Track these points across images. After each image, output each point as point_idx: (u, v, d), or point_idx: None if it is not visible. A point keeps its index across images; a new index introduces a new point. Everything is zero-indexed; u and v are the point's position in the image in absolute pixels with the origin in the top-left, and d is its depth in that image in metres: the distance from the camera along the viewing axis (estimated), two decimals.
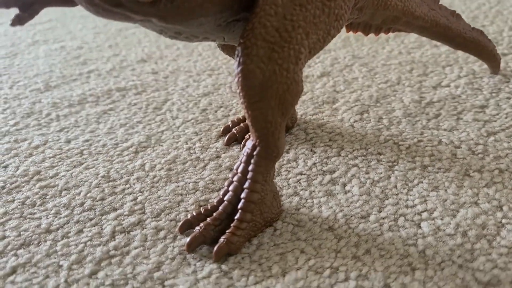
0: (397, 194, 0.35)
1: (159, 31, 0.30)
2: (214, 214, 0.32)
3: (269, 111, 0.30)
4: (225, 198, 0.33)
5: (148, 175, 0.40)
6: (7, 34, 0.87)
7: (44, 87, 0.61)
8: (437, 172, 0.37)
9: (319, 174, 0.38)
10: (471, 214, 0.32)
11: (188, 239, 0.31)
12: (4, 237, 0.34)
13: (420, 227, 0.31)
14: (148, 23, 0.29)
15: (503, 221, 0.31)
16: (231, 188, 0.33)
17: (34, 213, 0.37)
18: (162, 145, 0.45)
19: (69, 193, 0.39)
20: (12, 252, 0.33)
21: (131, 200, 0.37)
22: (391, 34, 0.66)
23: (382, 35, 0.66)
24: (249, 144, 0.32)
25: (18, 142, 0.48)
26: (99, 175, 0.41)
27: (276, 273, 0.29)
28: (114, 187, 0.39)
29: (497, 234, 0.30)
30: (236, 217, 0.32)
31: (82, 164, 0.43)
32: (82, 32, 0.84)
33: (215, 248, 0.31)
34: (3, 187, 0.40)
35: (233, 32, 0.32)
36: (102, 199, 0.38)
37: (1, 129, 0.51)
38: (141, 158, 0.43)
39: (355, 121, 0.45)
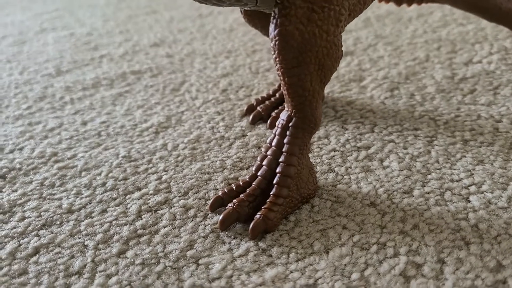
0: (440, 169, 0.33)
1: None
2: (248, 190, 0.30)
3: (307, 77, 0.28)
4: (259, 173, 0.31)
5: (171, 154, 0.38)
6: (14, 24, 0.85)
7: (55, 72, 0.59)
8: (480, 146, 0.35)
9: (354, 150, 0.36)
10: None
11: (220, 216, 0.29)
12: (24, 218, 0.33)
13: (469, 201, 0.29)
14: None
15: None
16: (265, 162, 0.31)
17: (54, 194, 0.35)
18: (183, 125, 0.43)
19: (89, 174, 0.37)
20: (33, 233, 0.31)
21: (156, 179, 0.35)
22: (414, 14, 0.64)
23: (404, 15, 0.63)
24: (284, 115, 0.30)
25: (32, 125, 0.46)
26: (120, 155, 0.39)
27: (318, 250, 0.27)
28: (137, 167, 0.37)
29: None
30: (272, 192, 0.30)
31: (101, 145, 0.41)
32: (91, 19, 0.82)
33: (252, 224, 0.28)
34: (20, 169, 0.38)
35: None
36: (125, 178, 0.36)
37: (14, 112, 0.49)
38: (162, 138, 0.41)
39: (385, 98, 0.43)
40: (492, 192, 0.30)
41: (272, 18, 0.28)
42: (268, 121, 0.41)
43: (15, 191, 0.36)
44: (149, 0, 0.92)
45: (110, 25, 0.77)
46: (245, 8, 0.32)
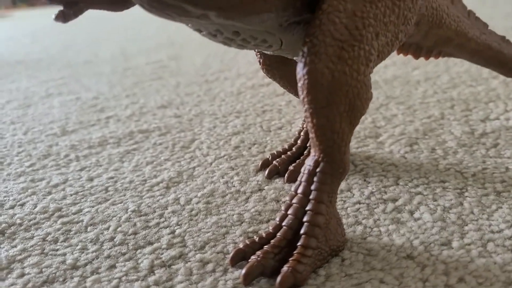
0: (476, 220, 0.30)
1: (214, 33, 0.28)
2: (273, 241, 0.28)
3: (337, 118, 0.27)
4: (284, 223, 0.28)
5: (184, 208, 0.36)
6: (20, 90, 0.86)
7: (60, 132, 0.58)
8: None
9: (380, 203, 0.34)
10: None
11: (243, 270, 0.27)
12: (23, 275, 0.29)
13: None
14: (205, 19, 0.26)
15: None
16: (291, 211, 0.28)
17: (57, 249, 0.32)
18: (195, 180, 0.41)
19: (95, 228, 0.34)
20: None
21: (169, 233, 0.33)
22: (421, 77, 0.64)
23: (412, 78, 0.64)
24: (310, 160, 0.29)
25: (35, 182, 0.44)
26: (129, 210, 0.37)
27: None
28: (147, 221, 0.35)
29: None
30: (299, 243, 0.27)
31: (108, 200, 0.39)
32: (96, 85, 0.83)
33: (279, 278, 0.26)
34: (20, 224, 0.36)
35: (292, 36, 0.29)
36: (135, 233, 0.33)
37: (16, 170, 0.47)
38: (174, 192, 0.39)
39: (405, 152, 0.42)
40: None
41: (300, 57, 0.27)
42: (286, 175, 0.39)
43: (14, 246, 0.33)
44: (154, 68, 0.93)
45: (116, 90, 0.77)
46: (268, 51, 0.31)
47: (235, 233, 0.32)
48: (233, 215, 0.34)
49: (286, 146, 0.42)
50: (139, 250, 0.31)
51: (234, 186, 0.39)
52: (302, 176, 0.29)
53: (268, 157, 0.42)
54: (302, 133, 0.41)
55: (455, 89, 0.58)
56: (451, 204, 0.33)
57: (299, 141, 0.41)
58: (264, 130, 0.51)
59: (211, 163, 0.44)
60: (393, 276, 0.26)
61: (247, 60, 0.91)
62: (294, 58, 0.33)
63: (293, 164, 0.39)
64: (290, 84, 0.39)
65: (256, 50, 0.38)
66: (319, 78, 0.26)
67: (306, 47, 0.27)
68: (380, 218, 0.32)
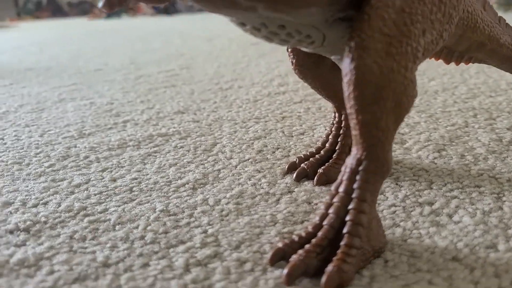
0: None
1: (259, 26, 0.27)
2: (314, 240, 0.27)
3: (383, 115, 0.26)
4: (326, 222, 0.28)
5: (214, 209, 0.35)
6: (31, 95, 0.85)
7: (77, 134, 0.57)
8: None
9: (416, 206, 0.33)
10: None
11: (286, 269, 0.26)
12: (52, 272, 0.29)
13: None
14: (252, 12, 0.26)
15: None
16: (332, 210, 0.28)
17: (86, 247, 0.31)
18: (222, 182, 0.40)
19: (124, 227, 0.33)
20: (65, 287, 0.27)
21: (201, 233, 0.32)
22: (439, 87, 0.64)
23: (429, 89, 0.64)
24: (352, 159, 0.28)
25: (56, 182, 0.43)
26: (157, 209, 0.36)
27: None
28: (177, 221, 0.34)
29: None
30: (343, 243, 0.26)
31: (134, 200, 0.38)
32: (110, 91, 0.82)
33: (325, 277, 0.25)
34: (45, 222, 0.35)
35: (335, 32, 0.29)
36: (165, 232, 0.32)
37: (36, 170, 0.46)
38: (201, 193, 0.38)
39: (434, 158, 0.41)
40: None
41: (347, 52, 0.27)
42: (316, 178, 0.38)
43: (41, 244, 0.32)
44: (167, 76, 0.93)
45: (130, 96, 0.77)
46: (308, 48, 0.31)
47: (269, 233, 0.31)
48: (265, 216, 0.34)
49: (313, 149, 0.42)
50: (171, 249, 0.30)
51: (262, 188, 0.38)
52: (344, 175, 0.28)
53: (295, 160, 0.41)
54: (330, 137, 0.41)
55: (475, 99, 0.58)
56: (490, 208, 0.32)
57: (327, 145, 0.41)
58: (286, 135, 0.51)
59: (236, 166, 0.43)
60: (442, 278, 0.25)
61: (259, 71, 0.91)
62: (332, 57, 0.33)
63: (322, 167, 0.39)
64: (322, 86, 0.38)
65: (289, 51, 0.38)
66: (367, 73, 0.26)
67: (354, 41, 0.26)
68: (418, 220, 0.31)
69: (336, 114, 0.41)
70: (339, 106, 0.40)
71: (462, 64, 0.79)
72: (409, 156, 0.42)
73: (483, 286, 0.24)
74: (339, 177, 0.29)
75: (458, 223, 0.30)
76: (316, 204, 0.35)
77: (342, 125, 0.40)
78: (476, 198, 0.33)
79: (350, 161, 0.28)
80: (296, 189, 0.37)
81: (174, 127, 0.57)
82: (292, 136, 0.50)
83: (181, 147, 0.50)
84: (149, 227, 0.33)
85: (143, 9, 3.70)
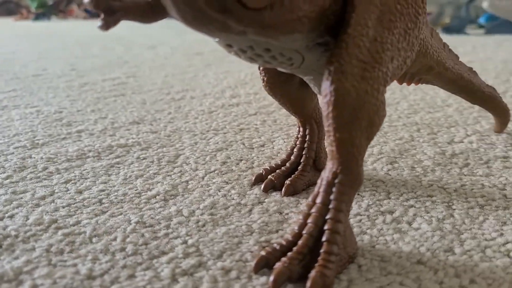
0: (470, 229, 0.34)
1: (246, 49, 0.29)
2: (296, 248, 0.29)
3: (358, 133, 0.29)
4: (305, 231, 0.30)
5: (189, 220, 0.36)
6: None
7: (30, 144, 0.55)
8: (497, 210, 0.36)
9: (379, 214, 0.36)
10: None
11: (272, 275, 0.28)
12: (35, 286, 0.28)
13: (510, 257, 0.30)
14: (242, 36, 0.27)
15: None
16: (310, 220, 0.30)
17: (65, 260, 0.31)
18: (192, 193, 0.41)
19: (101, 239, 0.34)
20: None
21: (181, 243, 0.33)
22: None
23: None
24: (328, 172, 0.30)
25: (17, 194, 0.42)
26: (132, 221, 0.36)
27: None
28: (155, 232, 0.35)
29: None
30: (322, 250, 0.29)
31: (106, 212, 0.38)
32: (55, 99, 0.80)
33: (309, 282, 0.27)
34: (17, 236, 0.34)
35: (313, 55, 0.31)
36: (145, 243, 0.33)
37: None
38: (174, 205, 0.39)
39: (388, 170, 0.45)
40: None
41: (327, 75, 0.29)
42: (284, 189, 0.40)
43: (17, 258, 0.32)
44: (113, 84, 0.92)
45: (79, 105, 0.75)
46: (287, 69, 0.33)
47: (248, 242, 0.33)
48: (241, 226, 0.35)
49: (278, 161, 0.44)
50: (155, 260, 0.31)
51: (233, 199, 0.40)
52: (320, 187, 0.31)
53: (261, 171, 0.43)
54: (295, 150, 0.43)
55: (417, 114, 0.63)
56: (443, 215, 0.36)
57: (292, 157, 0.43)
58: (246, 147, 0.53)
59: (203, 177, 0.45)
60: (411, 279, 0.28)
61: (208, 81, 0.93)
62: (305, 78, 0.35)
63: (289, 179, 0.41)
64: (289, 102, 0.41)
65: (261, 69, 0.40)
66: (346, 95, 0.28)
67: (333, 66, 0.29)
68: (383, 228, 0.34)
69: (301, 129, 0.43)
70: (304, 121, 0.43)
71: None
72: (366, 168, 0.45)
73: (447, 285, 0.28)
74: (316, 189, 0.31)
75: (418, 229, 0.34)
76: (287, 214, 0.37)
77: (306, 139, 0.43)
78: (430, 207, 0.37)
79: (326, 175, 0.31)
80: (266, 200, 0.39)
81: (132, 138, 0.57)
82: (253, 148, 0.52)
83: (144, 158, 0.50)
84: (128, 239, 0.34)
85: (74, 12, 3.57)
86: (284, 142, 0.54)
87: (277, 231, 0.34)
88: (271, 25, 0.27)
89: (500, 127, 0.53)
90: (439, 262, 0.30)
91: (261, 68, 0.39)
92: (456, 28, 1.56)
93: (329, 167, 0.31)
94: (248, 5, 0.26)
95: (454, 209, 0.37)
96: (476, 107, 0.65)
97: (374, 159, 0.47)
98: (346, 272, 0.29)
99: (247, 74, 0.98)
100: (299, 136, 0.43)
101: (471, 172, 0.43)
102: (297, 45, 0.29)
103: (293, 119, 0.63)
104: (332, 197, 0.30)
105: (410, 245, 0.32)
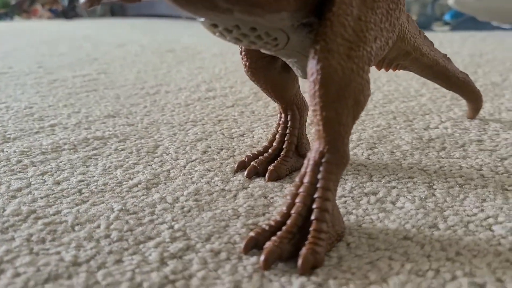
0: (452, 206, 0.34)
1: (231, 28, 0.29)
2: (285, 227, 0.29)
3: (344, 112, 0.29)
4: (294, 210, 0.30)
5: (174, 206, 0.36)
6: None
7: (1, 138, 0.54)
8: (476, 189, 0.37)
9: (363, 196, 0.37)
10: None
11: (262, 255, 0.28)
12: (18, 274, 0.27)
13: (492, 231, 0.31)
14: (228, 14, 0.27)
15: None
16: (299, 199, 0.30)
17: (48, 249, 0.30)
18: (174, 181, 0.41)
19: (84, 227, 0.33)
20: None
21: (167, 228, 0.32)
22: None
23: None
24: (314, 152, 0.31)
25: None
26: (115, 209, 0.35)
27: (376, 280, 0.26)
28: (139, 219, 0.34)
29: None
30: (312, 228, 0.29)
31: (86, 201, 0.37)
32: (24, 95, 0.78)
33: (301, 259, 0.27)
34: None
35: (297, 36, 0.31)
36: (130, 230, 0.32)
37: None
38: (157, 192, 0.38)
39: (369, 155, 0.45)
40: (510, 222, 0.32)
41: (313, 54, 0.29)
42: (267, 175, 0.40)
43: None
44: (84, 80, 0.90)
45: (50, 100, 0.73)
46: (271, 50, 0.33)
47: (235, 225, 0.33)
48: (227, 210, 0.35)
49: (260, 148, 0.44)
50: (142, 245, 0.30)
51: (217, 185, 0.40)
52: (307, 167, 0.31)
53: (244, 158, 0.43)
54: (277, 136, 0.43)
55: (392, 104, 0.64)
56: (425, 195, 0.36)
57: (275, 143, 0.43)
58: (226, 137, 0.52)
59: (184, 166, 0.44)
60: (399, 254, 0.29)
61: (182, 77, 0.92)
62: (288, 60, 0.35)
63: (272, 164, 0.41)
64: (272, 88, 0.41)
65: (243, 54, 0.39)
66: (332, 73, 0.29)
67: (319, 45, 0.29)
68: (368, 208, 0.35)
69: (282, 115, 0.43)
70: (286, 107, 0.43)
71: (376, 73, 0.86)
72: None
73: (434, 258, 0.28)
74: (302, 169, 0.31)
75: (402, 208, 0.34)
76: (272, 198, 0.37)
77: (288, 125, 0.43)
78: (412, 187, 0.38)
79: (312, 155, 0.31)
80: (250, 185, 0.39)
81: (109, 131, 0.56)
82: (233, 138, 0.52)
83: (122, 149, 0.49)
84: (112, 226, 0.33)
85: (39, 11, 3.48)
86: (264, 131, 0.54)
87: (263, 214, 0.34)
88: (258, 3, 0.27)
89: (473, 113, 0.54)
90: (425, 238, 0.30)
91: (243, 53, 0.39)
92: (423, 25, 1.60)
93: (316, 147, 0.31)
94: None
95: (435, 189, 0.37)
96: (448, 96, 0.67)
97: (354, 145, 0.48)
98: (335, 249, 0.29)
99: (221, 69, 0.98)
100: (280, 122, 0.44)
101: (449, 155, 0.45)
102: (283, 24, 0.29)
103: (271, 110, 0.63)
104: (319, 176, 0.30)
105: (395, 223, 0.32)
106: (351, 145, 0.48)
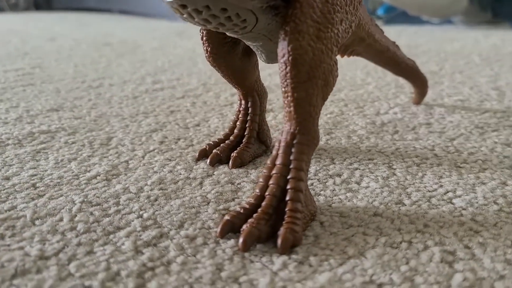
0: (413, 184, 0.36)
1: (201, 9, 0.28)
2: (260, 209, 0.29)
3: (315, 92, 0.30)
4: (268, 192, 0.30)
5: (139, 195, 0.35)
6: None
7: None
8: (432, 167, 0.39)
9: (328, 178, 0.37)
10: (488, 189, 0.34)
11: (241, 237, 0.27)
12: None
13: (453, 204, 0.33)
14: None
15: None
16: (272, 181, 0.30)
17: (9, 244, 0.28)
18: (135, 172, 0.39)
19: (46, 221, 0.31)
20: (6, 284, 0.24)
21: (136, 218, 0.31)
22: None
23: None
24: (285, 134, 0.31)
25: None
26: (76, 201, 0.34)
27: (354, 254, 0.27)
28: (104, 210, 0.33)
29: None
30: (288, 208, 0.29)
31: (43, 195, 0.35)
32: None
33: (280, 239, 0.27)
34: None
35: (265, 19, 0.31)
36: (97, 221, 0.31)
37: None
38: (118, 183, 0.37)
39: (327, 140, 0.46)
40: (467, 195, 0.34)
41: (283, 35, 0.29)
42: (231, 161, 0.40)
43: None
44: (18, 75, 0.85)
45: None
46: (237, 33, 0.32)
47: (206, 211, 0.32)
48: (196, 197, 0.34)
49: (221, 136, 0.43)
50: (112, 235, 0.29)
51: (181, 174, 0.39)
52: (279, 149, 0.31)
53: (205, 147, 0.42)
54: (238, 123, 0.43)
55: (341, 92, 0.66)
56: (387, 174, 0.38)
57: (236, 130, 0.43)
58: (182, 127, 0.51)
59: (143, 157, 0.43)
60: (372, 229, 0.29)
61: (124, 70, 0.89)
62: (253, 44, 0.35)
63: (235, 151, 0.41)
64: (233, 74, 0.40)
65: (204, 40, 0.39)
66: (303, 54, 0.29)
67: (289, 26, 0.29)
68: (335, 189, 0.35)
69: (243, 102, 0.43)
70: (247, 94, 0.42)
71: None
72: None
73: (405, 231, 0.29)
74: (274, 152, 0.31)
75: (367, 188, 0.35)
76: (239, 183, 0.37)
77: (249, 111, 0.43)
78: (373, 168, 0.39)
79: (284, 136, 0.31)
80: (215, 173, 0.39)
81: (55, 124, 0.53)
82: (188, 128, 0.51)
83: (73, 142, 0.47)
84: (76, 219, 0.31)
85: None
86: (220, 121, 0.53)
87: (233, 200, 0.34)
88: None
89: (419, 99, 0.57)
90: (394, 213, 0.31)
91: (204, 39, 0.38)
92: None
93: (287, 129, 0.31)
94: None
95: (395, 169, 0.39)
96: (393, 84, 0.70)
97: None
98: (310, 229, 0.30)
99: (164, 62, 0.96)
100: (241, 109, 0.43)
101: (402, 138, 0.46)
102: (253, 5, 0.29)
103: (224, 100, 0.63)
104: (292, 157, 0.30)
105: (363, 201, 0.33)
106: None
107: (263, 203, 0.29)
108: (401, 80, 0.72)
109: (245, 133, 0.42)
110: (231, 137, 0.43)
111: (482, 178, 0.37)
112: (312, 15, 0.29)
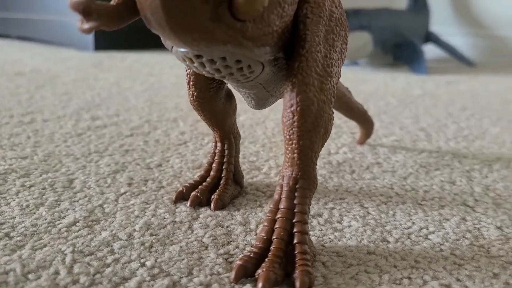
0: (389, 222, 0.39)
1: (216, 60, 0.29)
2: (272, 252, 0.30)
3: (317, 140, 0.32)
4: (275, 236, 0.31)
5: (132, 242, 0.34)
6: None
7: None
8: (398, 205, 0.43)
9: (312, 218, 0.39)
10: (454, 224, 0.39)
11: (260, 282, 0.28)
12: None
13: (430, 239, 0.36)
14: (220, 47, 0.28)
15: (477, 225, 0.39)
16: (279, 224, 0.31)
17: None
18: (115, 217, 0.38)
19: (41, 276, 0.29)
20: None
21: (140, 267, 0.30)
22: (252, 122, 0.73)
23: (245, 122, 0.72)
24: (287, 179, 0.32)
25: None
26: (67, 251, 0.32)
27: None
28: (100, 260, 0.31)
29: (480, 234, 0.37)
30: (297, 251, 0.30)
31: (23, 246, 0.33)
32: None
33: (298, 282, 0.28)
34: None
35: (269, 68, 0.33)
36: (98, 272, 0.30)
37: None
38: (103, 230, 0.35)
39: None
40: (439, 231, 0.37)
41: (291, 86, 0.31)
42: (213, 204, 0.40)
43: None
44: None
45: None
46: (238, 83, 0.34)
47: (209, 256, 0.32)
48: (192, 242, 0.34)
49: (197, 178, 0.44)
50: (121, 286, 0.28)
51: (165, 218, 0.38)
52: (282, 193, 0.32)
53: (181, 189, 0.42)
54: (214, 164, 0.43)
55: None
56: (363, 213, 0.41)
57: (212, 172, 0.43)
58: (144, 168, 0.50)
59: (116, 200, 0.41)
60: (372, 267, 0.32)
61: (51, 103, 0.84)
62: (252, 91, 0.36)
63: (215, 193, 0.41)
64: (215, 118, 0.41)
65: (191, 85, 0.39)
66: (310, 105, 0.31)
67: (297, 78, 0.31)
68: (321, 229, 0.37)
69: (219, 144, 0.44)
70: (224, 136, 0.43)
71: None
72: (271, 180, 0.48)
73: (401, 267, 0.32)
74: (276, 196, 0.32)
75: (350, 227, 0.38)
76: (228, 226, 0.37)
77: (226, 153, 0.44)
78: (348, 207, 0.42)
79: (286, 181, 0.32)
80: (200, 215, 0.39)
81: (1, 165, 0.49)
82: (151, 168, 0.50)
83: (31, 186, 0.44)
84: (74, 271, 0.30)
85: None
86: (181, 161, 0.53)
87: (229, 243, 0.35)
88: (251, 37, 0.28)
89: (364, 139, 0.62)
90: (384, 251, 0.34)
91: (191, 84, 0.39)
92: None
93: (288, 174, 0.32)
94: (238, 16, 0.26)
95: (367, 207, 0.42)
96: None
97: (276, 171, 0.51)
98: (314, 269, 0.31)
99: (93, 96, 0.92)
100: (216, 151, 0.44)
101: (361, 177, 0.50)
102: (264, 58, 0.31)
103: (175, 139, 0.62)
104: (295, 201, 0.32)
105: (353, 240, 0.36)
106: (273, 172, 0.50)
107: (273, 247, 0.30)
108: (338, 121, 0.77)
109: (222, 175, 0.43)
110: (208, 179, 0.43)
111: (444, 215, 0.41)
112: (316, 68, 0.32)
